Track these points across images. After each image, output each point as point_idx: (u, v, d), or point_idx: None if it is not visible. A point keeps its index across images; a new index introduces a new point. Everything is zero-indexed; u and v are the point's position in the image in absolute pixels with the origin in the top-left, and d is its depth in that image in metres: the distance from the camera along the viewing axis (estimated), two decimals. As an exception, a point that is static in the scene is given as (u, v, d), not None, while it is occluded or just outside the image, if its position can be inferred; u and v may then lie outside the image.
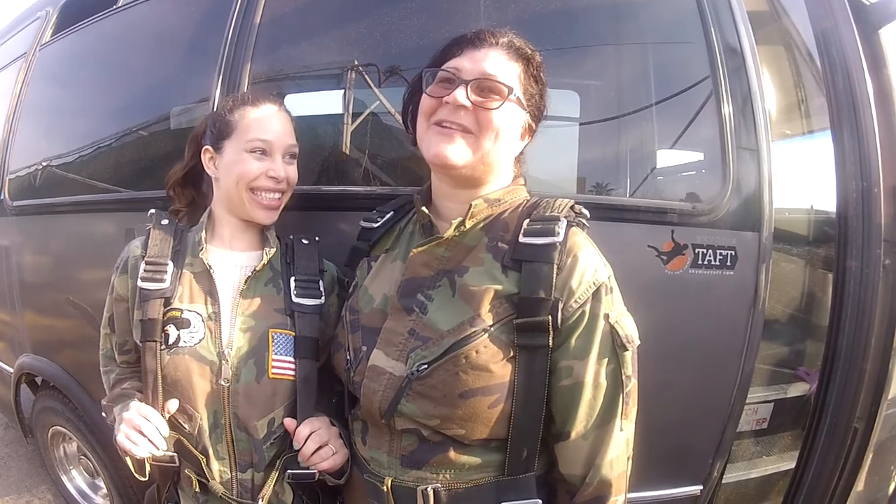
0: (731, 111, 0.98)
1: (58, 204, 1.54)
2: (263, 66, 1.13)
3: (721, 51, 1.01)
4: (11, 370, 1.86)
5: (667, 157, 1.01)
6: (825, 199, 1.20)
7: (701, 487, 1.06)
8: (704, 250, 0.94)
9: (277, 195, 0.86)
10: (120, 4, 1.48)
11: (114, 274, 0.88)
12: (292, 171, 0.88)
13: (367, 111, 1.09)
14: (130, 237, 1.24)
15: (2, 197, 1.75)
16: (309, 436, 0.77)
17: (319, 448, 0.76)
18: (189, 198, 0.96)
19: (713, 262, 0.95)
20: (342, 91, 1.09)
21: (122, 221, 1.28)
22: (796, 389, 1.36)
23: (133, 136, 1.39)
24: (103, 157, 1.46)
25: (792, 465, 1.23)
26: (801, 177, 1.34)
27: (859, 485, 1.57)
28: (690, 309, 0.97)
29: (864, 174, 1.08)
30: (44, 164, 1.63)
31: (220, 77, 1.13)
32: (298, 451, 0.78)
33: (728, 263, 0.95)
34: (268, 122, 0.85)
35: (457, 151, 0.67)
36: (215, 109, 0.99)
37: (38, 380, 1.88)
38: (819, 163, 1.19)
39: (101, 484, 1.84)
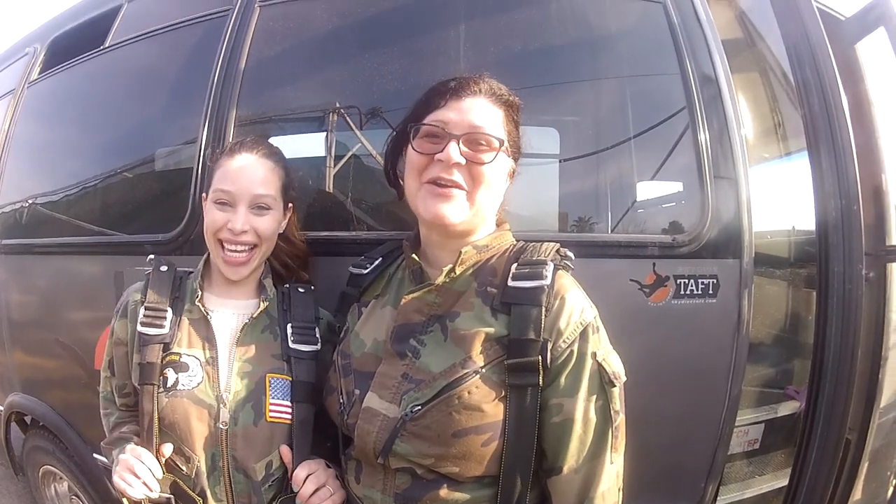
0: (709, 140, 1.01)
1: (46, 245, 1.53)
2: (249, 108, 1.14)
3: (696, 81, 1.03)
4: (1, 408, 1.84)
5: (646, 190, 1.04)
6: (806, 219, 1.22)
7: (695, 511, 1.07)
8: (686, 280, 0.96)
9: (243, 249, 0.85)
10: (108, 44, 1.49)
11: (114, 318, 0.90)
12: (261, 224, 0.85)
13: (350, 153, 1.11)
14: (119, 280, 1.25)
15: (-10, 235, 1.75)
16: (307, 478, 0.78)
17: (317, 490, 0.77)
18: None
19: (695, 292, 0.96)
20: (325, 133, 1.11)
21: (111, 264, 1.28)
22: (786, 408, 1.37)
23: (120, 177, 1.39)
24: (91, 198, 1.47)
25: (786, 482, 1.24)
26: (781, 199, 1.36)
27: (856, 494, 1.59)
28: (676, 338, 0.99)
29: (842, 192, 1.10)
30: (31, 202, 1.63)
31: (207, 119, 1.15)
32: (296, 493, 0.78)
33: (710, 291, 0.97)
34: (235, 173, 0.84)
35: (454, 211, 0.69)
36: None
37: (28, 418, 1.87)
38: (798, 183, 1.22)
39: (94, 523, 1.81)
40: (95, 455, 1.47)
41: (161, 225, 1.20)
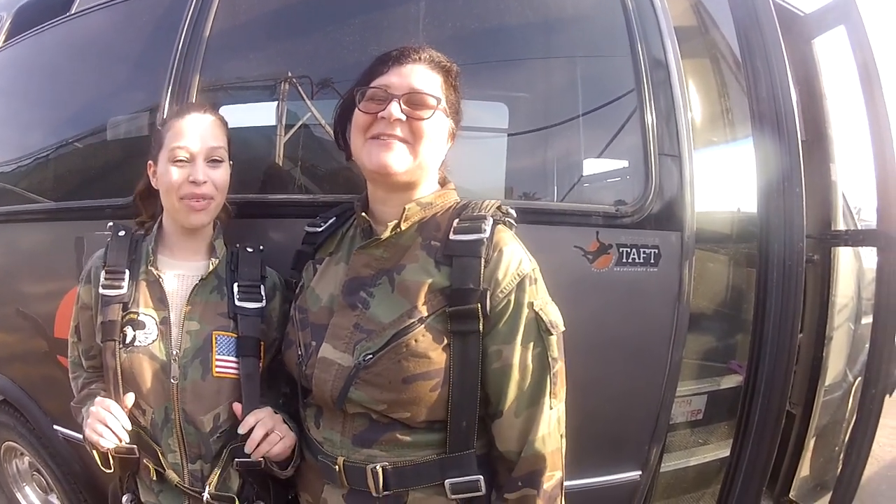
0: (655, 120, 1.05)
1: (5, 213, 1.51)
2: (212, 76, 1.15)
3: (647, 64, 1.08)
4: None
5: (593, 165, 1.08)
6: (750, 201, 1.28)
7: (640, 472, 1.12)
8: (628, 249, 1.01)
9: (203, 201, 0.88)
10: (74, 12, 1.48)
11: (79, 285, 0.94)
12: (217, 175, 0.89)
13: (305, 120, 1.13)
14: (80, 245, 1.25)
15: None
16: (255, 425, 0.81)
17: (266, 435, 0.81)
18: (152, 209, 0.99)
19: (637, 260, 1.01)
20: (287, 101, 1.13)
21: (72, 230, 1.27)
22: (729, 381, 1.44)
23: (83, 144, 1.39)
24: (53, 165, 1.45)
25: (728, 452, 1.30)
26: (726, 181, 1.43)
27: (804, 469, 1.67)
28: (618, 304, 1.04)
29: (785, 174, 1.15)
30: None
31: (170, 86, 1.15)
32: (246, 440, 0.81)
33: (652, 261, 1.02)
34: (187, 129, 0.87)
35: (397, 159, 0.73)
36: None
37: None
38: (744, 166, 1.27)
39: (55, 500, 1.79)
40: (56, 427, 1.47)
41: (122, 190, 1.19)
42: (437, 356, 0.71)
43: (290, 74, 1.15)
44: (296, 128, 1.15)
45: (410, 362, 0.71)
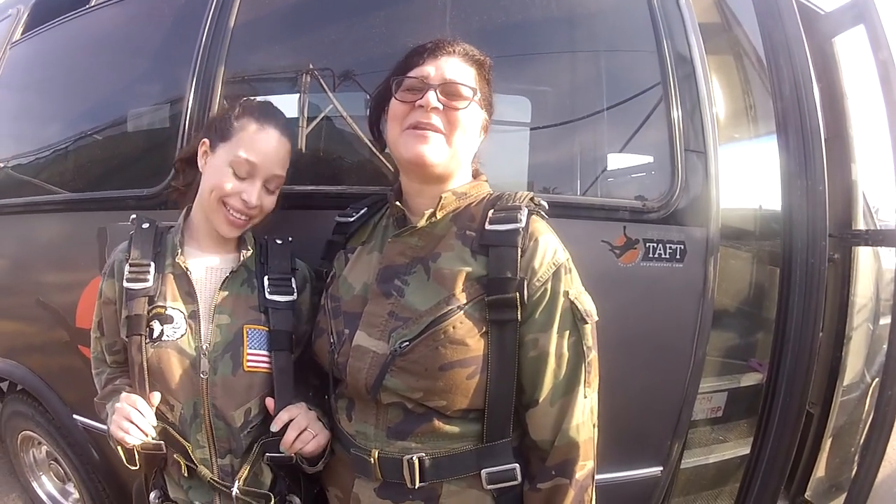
0: (681, 116, 1.05)
1: (27, 204, 1.52)
2: (238, 67, 1.15)
3: (672, 60, 1.07)
4: (-23, 374, 1.81)
5: (617, 160, 1.08)
6: (773, 199, 1.27)
7: (661, 468, 1.12)
8: (655, 244, 1.01)
9: (245, 217, 0.87)
10: (93, 4, 1.48)
11: (102, 280, 0.91)
12: (268, 201, 0.88)
13: (323, 113, 1.13)
14: (103, 236, 1.26)
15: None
16: (288, 423, 0.80)
17: (300, 434, 0.80)
18: (190, 178, 0.96)
19: (663, 256, 1.01)
20: (315, 93, 1.12)
21: (94, 221, 1.27)
22: (749, 379, 1.43)
23: (104, 135, 1.39)
24: (74, 157, 1.46)
25: (748, 450, 1.29)
26: (750, 178, 1.42)
27: (819, 470, 1.66)
28: (644, 298, 1.03)
29: (809, 172, 1.14)
30: (13, 163, 1.61)
31: (194, 78, 1.15)
32: (277, 436, 0.81)
33: (678, 256, 1.02)
34: (262, 144, 0.84)
35: (434, 150, 0.73)
36: (226, 105, 0.97)
37: (4, 386, 1.85)
38: (767, 164, 1.27)
39: (72, 489, 1.81)
40: (75, 416, 1.48)
41: (144, 181, 1.20)
42: (475, 344, 0.71)
43: (313, 66, 1.14)
44: (319, 119, 1.15)
45: (448, 349, 0.71)
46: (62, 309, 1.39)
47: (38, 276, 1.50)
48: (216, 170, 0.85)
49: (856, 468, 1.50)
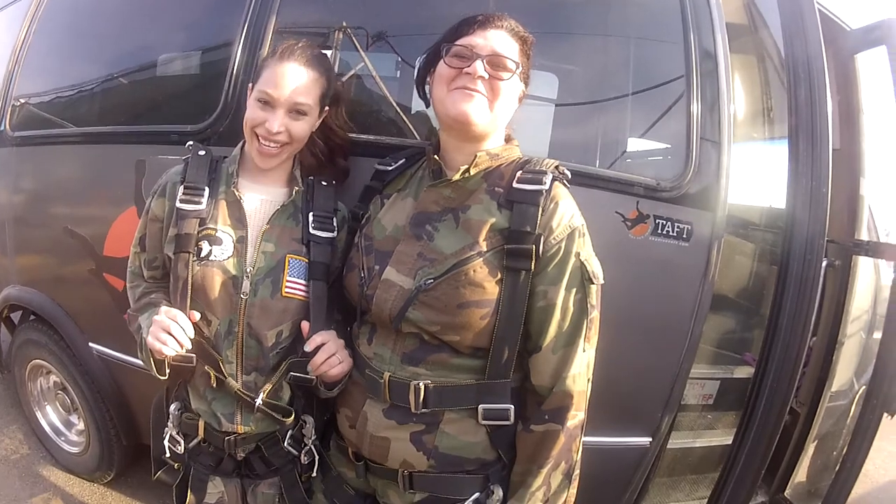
0: (700, 107, 1.10)
1: (66, 135, 1.57)
2: (288, 16, 1.19)
3: (697, 53, 1.13)
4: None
5: (636, 142, 1.14)
6: (779, 197, 1.31)
7: (650, 439, 1.17)
8: (664, 221, 1.06)
9: (275, 145, 0.91)
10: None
11: (150, 198, 0.97)
12: (297, 127, 0.91)
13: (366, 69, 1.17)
14: (141, 168, 1.32)
15: (2, 128, 1.76)
16: (320, 346, 0.86)
17: (328, 358, 0.87)
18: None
19: (671, 233, 1.07)
20: (365, 52, 1.17)
21: (134, 153, 1.33)
22: (741, 372, 1.48)
23: (150, 73, 1.44)
24: (117, 91, 1.51)
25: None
26: (761, 176, 1.47)
27: (801, 473, 1.70)
28: (650, 271, 1.09)
29: (814, 174, 1.19)
30: (52, 96, 1.66)
31: (246, 23, 1.20)
32: (305, 357, 0.87)
33: (685, 236, 1.08)
34: (279, 78, 0.89)
35: (477, 110, 0.80)
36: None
37: (17, 317, 1.91)
38: (778, 165, 1.31)
39: (76, 420, 1.86)
40: (91, 344, 1.54)
41: (189, 118, 1.26)
42: (491, 287, 0.78)
43: (362, 24, 1.20)
44: (355, 74, 1.20)
45: (467, 289, 0.78)
46: (91, 238, 1.45)
47: (67, 207, 1.56)
48: (249, 106, 0.93)
49: (834, 475, 1.55)
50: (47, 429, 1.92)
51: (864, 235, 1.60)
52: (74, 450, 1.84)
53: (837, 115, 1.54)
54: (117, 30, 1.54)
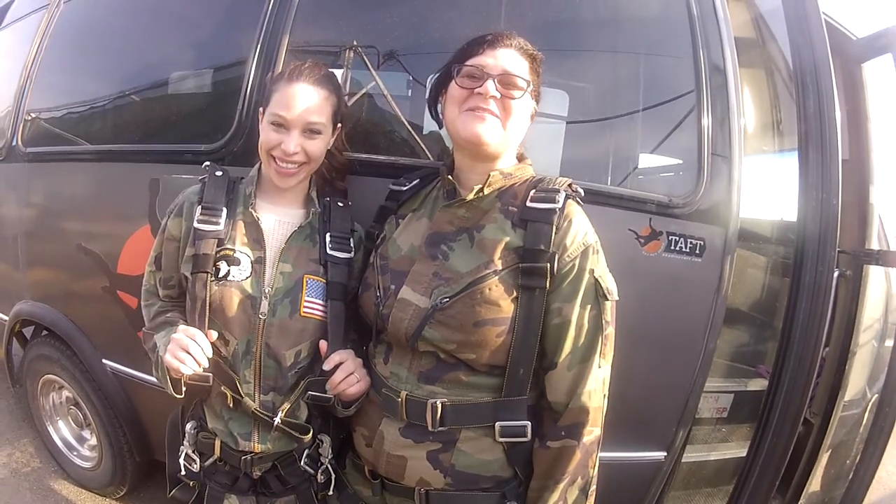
0: (711, 122, 1.11)
1: (79, 152, 1.58)
2: (301, 35, 1.20)
3: (707, 68, 1.13)
4: (6, 319, 1.88)
5: (647, 158, 1.14)
6: (792, 210, 1.32)
7: (665, 454, 1.17)
8: (677, 238, 1.07)
9: (293, 165, 0.92)
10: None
11: (166, 217, 0.99)
12: (312, 146, 0.92)
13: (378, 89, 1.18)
14: (155, 186, 1.33)
15: (14, 143, 1.78)
16: (338, 365, 0.87)
17: (346, 377, 0.88)
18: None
19: (684, 249, 1.07)
20: (374, 69, 1.18)
21: (148, 172, 1.35)
22: (755, 384, 1.47)
23: (165, 91, 1.45)
24: (132, 109, 1.52)
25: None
26: (772, 189, 1.47)
27: (814, 483, 1.69)
28: (663, 287, 1.09)
29: (824, 185, 1.20)
30: (65, 112, 1.68)
31: (259, 42, 1.21)
32: (323, 376, 0.88)
33: (697, 252, 1.08)
34: (290, 99, 0.90)
35: (490, 131, 0.81)
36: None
37: (29, 332, 1.92)
38: (789, 177, 1.32)
39: (88, 436, 1.87)
40: (104, 360, 1.55)
41: (203, 137, 1.27)
42: (507, 305, 0.79)
43: (374, 43, 1.21)
44: (367, 94, 1.21)
45: (482, 308, 0.78)
46: (105, 255, 1.46)
47: (80, 223, 1.57)
48: (263, 130, 0.94)
49: (848, 482, 1.54)
50: (59, 444, 1.93)
51: (874, 244, 1.59)
52: (87, 465, 1.84)
53: (846, 125, 1.55)
54: (130, 47, 1.55)
